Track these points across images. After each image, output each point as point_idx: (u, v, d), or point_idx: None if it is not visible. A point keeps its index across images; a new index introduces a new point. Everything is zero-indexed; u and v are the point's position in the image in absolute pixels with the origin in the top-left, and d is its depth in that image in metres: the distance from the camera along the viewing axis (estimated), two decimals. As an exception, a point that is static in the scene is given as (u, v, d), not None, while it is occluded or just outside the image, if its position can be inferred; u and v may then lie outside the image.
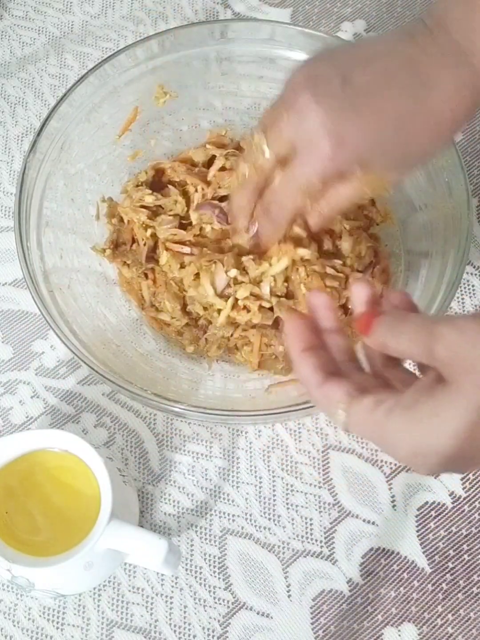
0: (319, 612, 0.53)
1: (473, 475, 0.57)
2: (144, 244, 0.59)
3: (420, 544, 0.55)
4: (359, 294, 0.40)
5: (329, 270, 0.56)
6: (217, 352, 0.57)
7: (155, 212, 0.59)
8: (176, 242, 0.57)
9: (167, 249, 0.57)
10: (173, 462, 0.57)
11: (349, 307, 0.57)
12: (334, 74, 0.43)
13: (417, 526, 0.55)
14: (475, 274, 0.63)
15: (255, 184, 0.48)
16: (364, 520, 0.55)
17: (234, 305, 0.55)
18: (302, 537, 0.55)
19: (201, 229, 0.57)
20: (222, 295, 0.55)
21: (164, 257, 0.57)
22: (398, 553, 0.55)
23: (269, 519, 0.56)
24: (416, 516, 0.56)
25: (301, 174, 0.45)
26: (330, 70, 0.44)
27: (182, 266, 0.56)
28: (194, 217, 0.57)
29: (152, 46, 0.58)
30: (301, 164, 0.45)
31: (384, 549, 0.55)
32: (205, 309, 0.56)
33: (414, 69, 0.43)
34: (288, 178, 0.46)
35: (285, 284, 0.56)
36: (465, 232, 0.52)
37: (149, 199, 0.59)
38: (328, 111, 0.43)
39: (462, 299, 0.62)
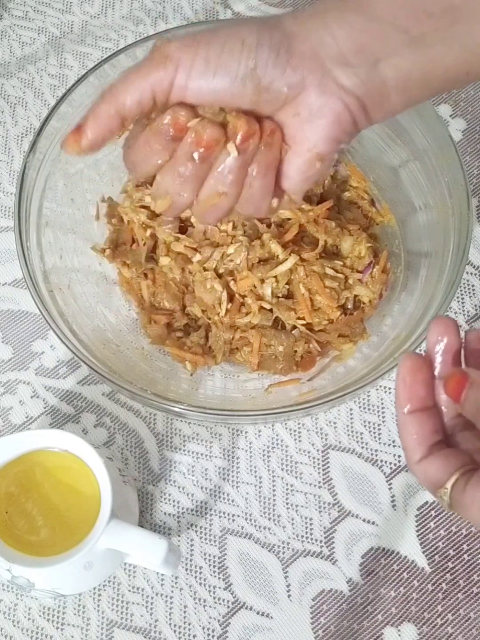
0: (319, 612, 0.53)
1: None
2: (144, 244, 0.59)
3: (420, 544, 0.55)
4: (436, 335, 0.36)
5: (329, 271, 0.56)
6: (223, 358, 0.57)
7: (155, 212, 0.59)
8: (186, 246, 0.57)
9: (168, 252, 0.57)
10: (173, 462, 0.57)
11: (349, 307, 0.57)
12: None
13: (417, 526, 0.55)
14: (475, 274, 0.63)
15: None
16: (364, 520, 0.56)
17: (232, 299, 0.55)
18: (302, 537, 0.55)
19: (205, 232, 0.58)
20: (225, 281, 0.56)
21: (164, 259, 0.57)
22: (398, 553, 0.55)
23: (269, 519, 0.56)
24: (416, 516, 0.56)
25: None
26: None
27: (184, 270, 0.57)
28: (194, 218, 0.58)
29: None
30: None
31: (384, 549, 0.55)
32: (204, 311, 0.57)
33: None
34: None
35: (286, 286, 0.56)
36: (465, 232, 0.52)
37: (149, 199, 0.59)
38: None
39: (462, 299, 0.62)
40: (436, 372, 0.36)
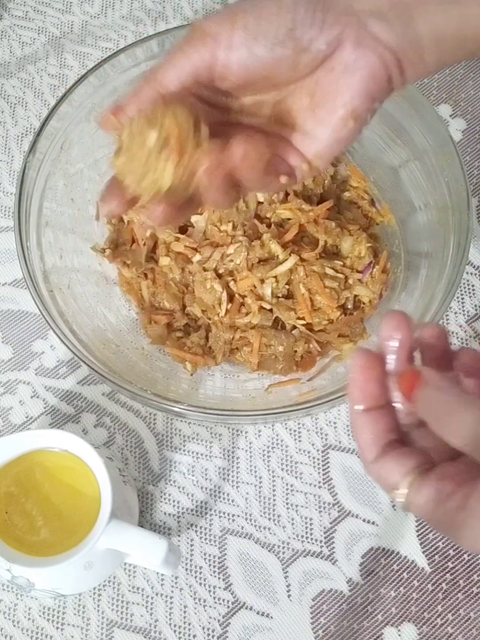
0: (319, 612, 0.53)
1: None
2: (144, 244, 0.59)
3: (420, 544, 0.55)
4: (389, 331, 0.34)
5: (329, 271, 0.56)
6: (223, 359, 0.57)
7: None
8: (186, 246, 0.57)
9: (168, 252, 0.57)
10: (173, 462, 0.57)
11: (349, 307, 0.57)
12: None
13: (417, 526, 0.55)
14: (475, 274, 0.63)
15: None
16: (364, 520, 0.56)
17: (232, 299, 0.55)
18: (302, 537, 0.55)
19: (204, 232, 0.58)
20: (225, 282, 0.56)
21: (164, 259, 0.57)
22: (398, 553, 0.55)
23: (269, 519, 0.56)
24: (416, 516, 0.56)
25: None
26: None
27: (184, 270, 0.57)
28: (194, 218, 0.58)
29: (152, 46, 0.58)
30: None
31: (383, 549, 0.55)
32: (204, 311, 0.57)
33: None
34: None
35: (286, 286, 0.56)
36: (465, 232, 0.52)
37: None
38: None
39: (462, 299, 0.62)
40: (388, 369, 0.35)
